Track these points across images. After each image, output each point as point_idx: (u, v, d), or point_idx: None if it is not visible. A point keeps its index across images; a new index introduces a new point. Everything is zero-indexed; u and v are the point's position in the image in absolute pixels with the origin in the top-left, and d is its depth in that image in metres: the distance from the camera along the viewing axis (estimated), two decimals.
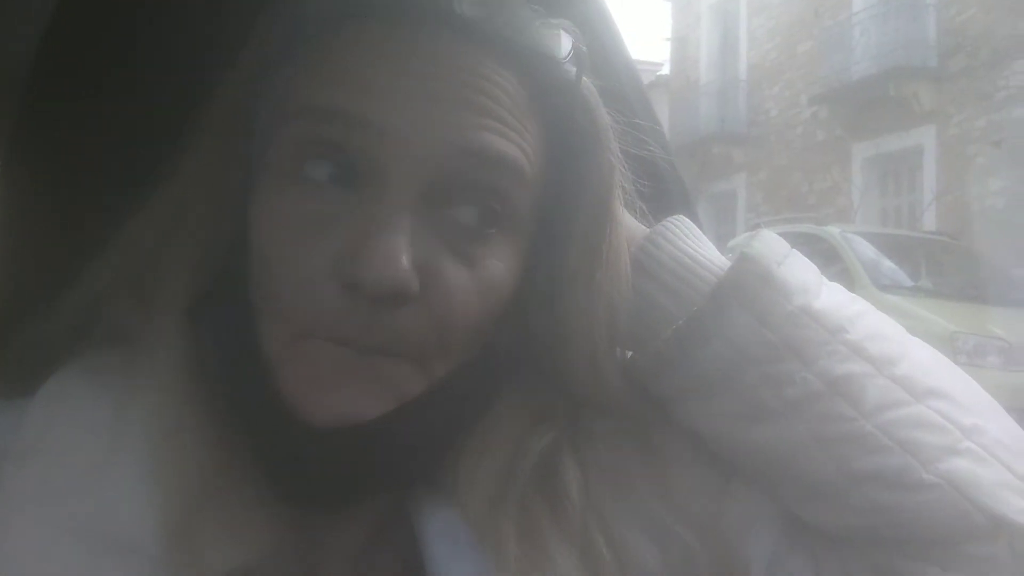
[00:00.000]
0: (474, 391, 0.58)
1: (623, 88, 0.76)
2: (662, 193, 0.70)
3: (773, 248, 0.61)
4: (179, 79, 0.67)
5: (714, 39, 17.27)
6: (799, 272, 0.60)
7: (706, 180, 15.43)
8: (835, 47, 13.32)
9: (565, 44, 0.59)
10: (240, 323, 0.55)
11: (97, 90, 0.75)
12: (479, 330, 0.56)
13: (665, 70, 18.91)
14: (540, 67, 0.58)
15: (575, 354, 0.59)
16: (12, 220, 0.77)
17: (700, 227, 0.66)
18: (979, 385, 0.62)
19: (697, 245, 0.63)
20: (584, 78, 0.60)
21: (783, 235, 0.64)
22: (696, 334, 0.58)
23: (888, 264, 7.74)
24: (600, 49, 0.69)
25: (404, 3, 0.56)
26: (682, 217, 0.65)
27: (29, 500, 0.52)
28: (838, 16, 13.59)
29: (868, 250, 7.76)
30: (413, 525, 0.57)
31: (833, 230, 7.87)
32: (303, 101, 0.54)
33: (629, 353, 0.64)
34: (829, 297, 0.60)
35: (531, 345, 0.61)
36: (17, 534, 0.51)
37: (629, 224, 0.64)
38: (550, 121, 0.59)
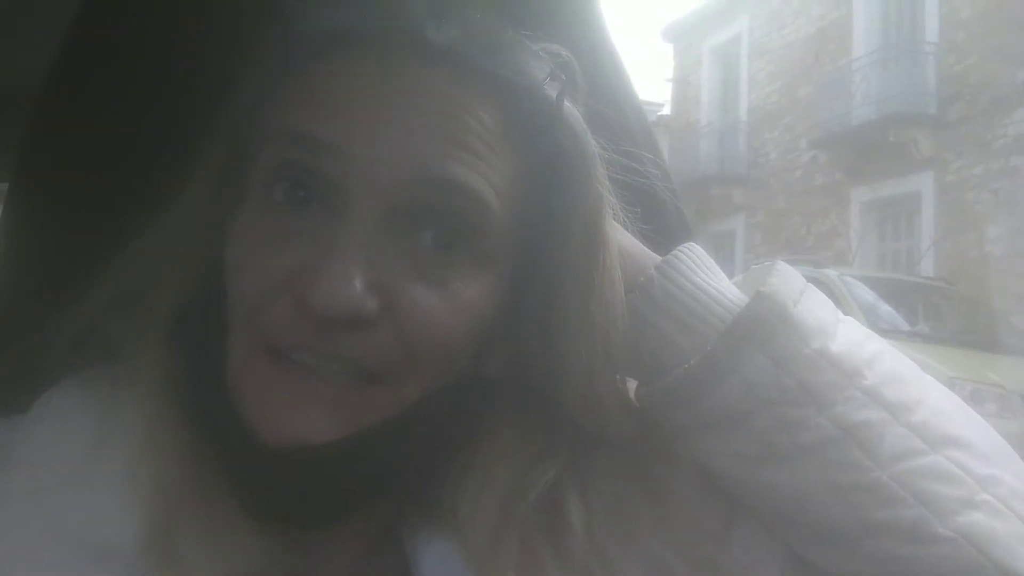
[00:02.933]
0: (453, 417, 0.58)
1: (625, 116, 0.76)
2: (660, 221, 0.69)
3: (790, 284, 0.59)
4: (182, 104, 0.68)
5: (715, 81, 17.43)
6: (816, 311, 0.59)
7: (705, 220, 15.49)
8: (835, 92, 13.44)
9: (543, 69, 0.59)
10: (213, 341, 0.56)
11: (104, 113, 0.75)
12: (452, 353, 0.55)
13: (666, 111, 19.03)
14: (517, 93, 0.58)
15: (573, 386, 0.59)
16: (16, 237, 0.77)
17: None
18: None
19: (709, 276, 0.62)
20: (567, 104, 0.59)
21: None
22: (709, 374, 0.57)
23: (886, 308, 7.74)
24: (602, 77, 0.69)
25: (377, 30, 0.57)
26: (693, 245, 0.63)
27: (12, 507, 0.52)
28: (838, 62, 13.73)
29: (866, 294, 7.77)
30: (406, 553, 0.57)
31: (831, 273, 7.89)
32: (277, 125, 0.56)
33: (635, 383, 0.63)
34: (846, 337, 0.59)
35: (529, 376, 0.60)
36: (5, 543, 0.51)
37: (636, 251, 0.63)
38: (532, 148, 0.58)
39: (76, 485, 0.53)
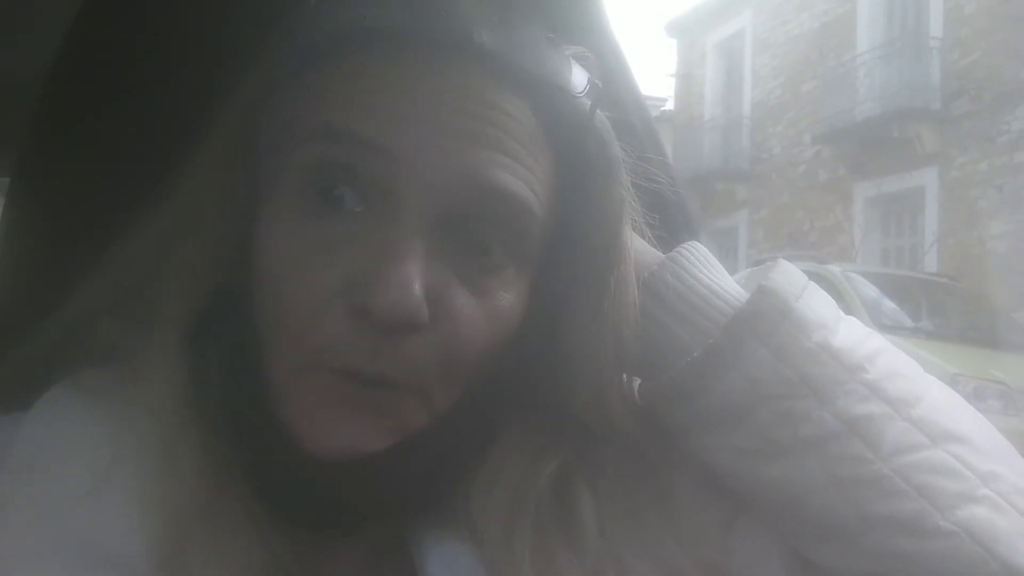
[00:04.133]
0: (478, 421, 0.57)
1: (632, 120, 0.76)
2: (669, 225, 0.69)
3: (792, 280, 0.60)
4: (185, 100, 0.67)
5: (719, 76, 17.40)
6: (817, 306, 0.59)
7: (708, 216, 15.48)
8: (839, 87, 13.41)
9: (581, 77, 0.59)
10: (243, 348, 0.55)
11: (104, 110, 0.75)
12: (483, 361, 0.55)
13: (669, 106, 19.00)
14: (555, 99, 0.58)
15: (580, 384, 0.58)
16: (15, 234, 0.77)
17: None
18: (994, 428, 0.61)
19: (712, 273, 0.62)
20: (598, 111, 0.59)
21: None
22: (711, 367, 0.57)
23: (889, 304, 7.73)
24: (610, 81, 0.69)
25: (420, 29, 0.55)
26: (696, 244, 0.64)
27: (22, 514, 0.52)
28: (842, 57, 13.70)
29: (869, 290, 7.76)
30: (413, 554, 0.57)
31: (835, 269, 7.87)
32: (313, 123, 0.54)
33: (638, 380, 0.63)
34: (847, 333, 0.59)
35: (536, 373, 0.60)
36: (9, 547, 0.51)
37: (641, 248, 0.63)
38: (562, 152, 0.58)
39: (89, 494, 0.52)
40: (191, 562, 0.51)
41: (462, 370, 0.54)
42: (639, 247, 0.63)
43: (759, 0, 15.78)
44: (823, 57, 14.09)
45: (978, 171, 11.33)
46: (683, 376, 0.58)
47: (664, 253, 0.64)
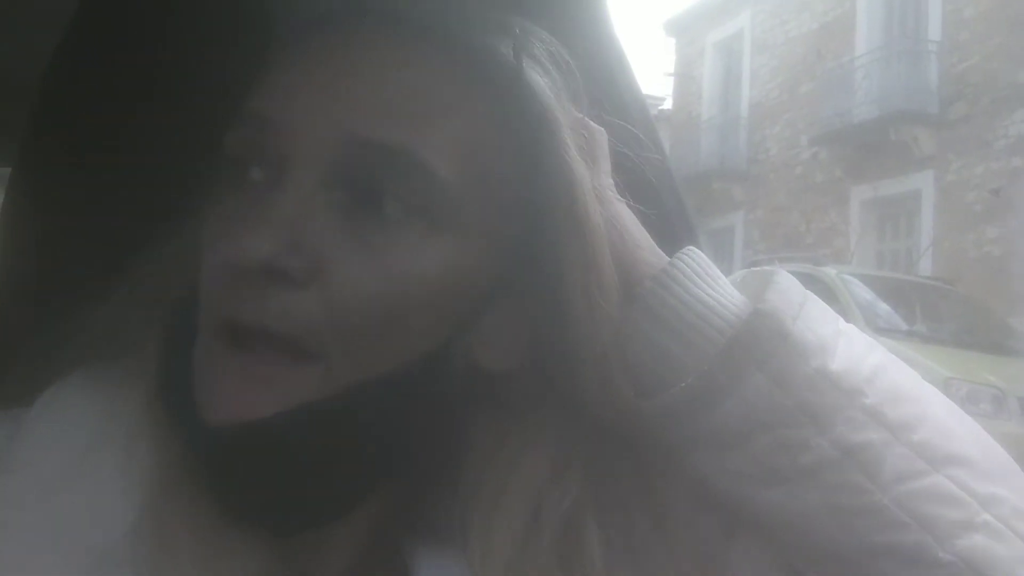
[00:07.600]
0: (425, 411, 0.56)
1: (628, 111, 0.76)
2: (666, 229, 0.69)
3: (789, 299, 0.58)
4: (184, 98, 0.67)
5: (717, 76, 17.42)
6: (816, 326, 0.58)
7: (705, 216, 15.49)
8: (837, 89, 13.44)
9: (505, 35, 0.58)
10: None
11: (109, 105, 0.75)
12: (391, 327, 0.53)
13: (667, 105, 19.03)
14: (477, 60, 0.57)
15: (586, 373, 0.57)
16: (18, 224, 0.77)
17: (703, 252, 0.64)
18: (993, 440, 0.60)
19: (709, 285, 0.60)
20: (535, 73, 0.58)
21: None
22: (707, 393, 0.56)
23: (884, 307, 7.74)
24: (607, 71, 0.69)
25: (338, 9, 0.57)
26: (693, 250, 0.62)
27: (9, 506, 0.52)
28: (840, 59, 13.72)
29: (864, 292, 7.77)
30: (408, 569, 0.56)
31: (830, 271, 7.86)
32: (240, 110, 0.56)
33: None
34: (847, 352, 0.57)
35: (543, 368, 0.59)
36: (10, 545, 0.51)
37: (646, 245, 0.61)
38: (495, 114, 0.57)
39: (75, 486, 0.52)
40: (176, 556, 0.51)
41: (363, 334, 0.52)
42: (644, 245, 0.61)
43: (758, 0, 15.80)
44: (821, 59, 14.12)
45: (974, 175, 11.36)
46: (677, 401, 0.56)
47: (658, 243, 0.62)
